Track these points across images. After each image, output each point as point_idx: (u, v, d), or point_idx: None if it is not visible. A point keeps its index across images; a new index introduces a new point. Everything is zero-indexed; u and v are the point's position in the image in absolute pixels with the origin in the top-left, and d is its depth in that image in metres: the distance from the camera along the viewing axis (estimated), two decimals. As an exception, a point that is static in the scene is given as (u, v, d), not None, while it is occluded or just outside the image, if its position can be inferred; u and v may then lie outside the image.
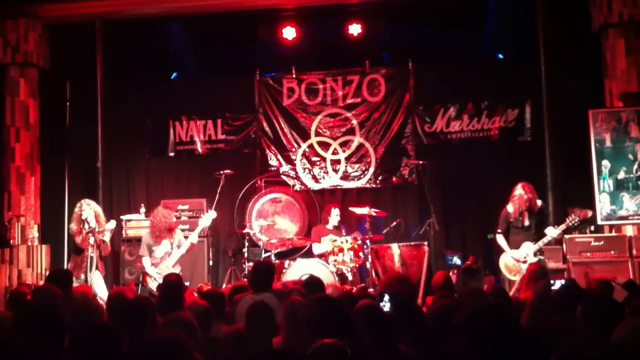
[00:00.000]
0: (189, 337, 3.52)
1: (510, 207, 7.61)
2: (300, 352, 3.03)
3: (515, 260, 7.38)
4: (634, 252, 8.31)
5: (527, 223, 7.50)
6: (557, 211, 8.80)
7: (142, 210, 10.04)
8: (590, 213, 8.17)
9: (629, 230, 8.82)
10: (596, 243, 8.21)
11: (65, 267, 8.57)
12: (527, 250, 7.34)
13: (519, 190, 7.59)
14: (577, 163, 9.33)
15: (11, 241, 9.04)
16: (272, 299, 4.94)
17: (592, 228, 8.86)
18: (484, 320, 2.51)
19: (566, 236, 8.32)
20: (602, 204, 8.81)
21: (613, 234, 8.78)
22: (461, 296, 4.85)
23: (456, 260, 8.55)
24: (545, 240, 7.38)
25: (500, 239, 7.58)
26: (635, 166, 8.91)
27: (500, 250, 7.65)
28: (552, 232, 7.38)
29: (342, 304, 3.68)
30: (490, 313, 2.55)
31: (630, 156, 8.91)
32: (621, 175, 8.91)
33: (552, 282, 4.74)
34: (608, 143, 8.95)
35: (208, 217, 8.19)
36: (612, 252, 8.28)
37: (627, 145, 8.93)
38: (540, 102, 9.37)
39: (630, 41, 9.10)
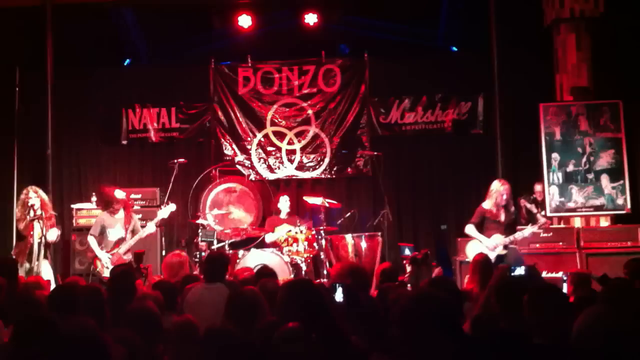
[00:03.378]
0: (151, 328, 3.47)
1: (487, 204, 7.44)
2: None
3: (487, 247, 7.23)
4: (582, 243, 8.51)
5: (502, 219, 7.35)
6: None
7: (94, 199, 9.86)
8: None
9: (577, 222, 9.04)
10: (545, 234, 8.34)
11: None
12: (497, 241, 7.23)
13: (496, 186, 7.43)
14: (528, 156, 9.52)
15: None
16: (225, 290, 4.92)
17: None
18: (413, 310, 2.53)
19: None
20: (551, 196, 9.01)
21: (562, 225, 8.98)
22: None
23: (407, 252, 8.65)
24: (517, 235, 7.27)
25: (471, 228, 7.42)
26: (584, 159, 9.13)
27: (467, 239, 7.60)
28: (525, 232, 7.35)
29: (318, 290, 3.63)
30: (419, 303, 2.57)
31: (579, 149, 9.13)
32: (570, 168, 9.12)
33: (512, 268, 4.83)
34: (558, 136, 9.15)
35: (167, 210, 8.10)
36: (561, 243, 8.46)
37: (577, 139, 9.15)
38: (493, 95, 9.50)
39: (581, 36, 9.30)
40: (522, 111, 9.61)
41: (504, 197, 7.33)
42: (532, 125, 9.29)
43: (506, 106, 9.34)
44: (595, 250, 8.47)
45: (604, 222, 9.11)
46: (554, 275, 7.79)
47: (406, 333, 2.45)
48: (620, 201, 9.02)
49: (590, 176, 9.07)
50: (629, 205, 9.01)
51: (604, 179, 9.04)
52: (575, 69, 9.33)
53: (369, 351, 3.38)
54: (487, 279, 5.19)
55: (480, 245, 7.37)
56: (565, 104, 9.27)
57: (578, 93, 9.34)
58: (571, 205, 9.03)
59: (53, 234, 7.47)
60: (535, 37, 9.81)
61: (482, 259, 5.73)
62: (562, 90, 9.48)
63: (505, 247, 7.27)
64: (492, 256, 6.96)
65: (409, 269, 8.14)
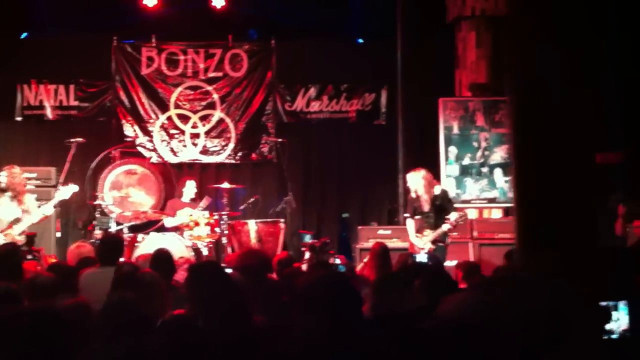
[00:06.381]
0: None
1: (412, 193, 7.41)
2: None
3: (417, 247, 7.22)
4: (475, 234, 8.87)
5: (426, 209, 7.30)
6: (407, 193, 9.17)
7: (-16, 176, 9.39)
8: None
9: (471, 214, 9.40)
10: (440, 225, 8.62)
11: None
12: (426, 239, 7.21)
13: (409, 177, 7.48)
14: (427, 148, 9.80)
15: None
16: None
17: None
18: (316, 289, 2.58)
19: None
20: (447, 188, 9.32)
21: (456, 216, 9.31)
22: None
23: (307, 239, 8.76)
24: (440, 231, 7.23)
25: (408, 223, 7.43)
26: (479, 153, 9.51)
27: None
28: (445, 226, 7.27)
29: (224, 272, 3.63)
30: (322, 283, 2.63)
31: (475, 144, 9.51)
32: (466, 161, 9.48)
33: (413, 256, 4.98)
34: (455, 130, 9.48)
35: (68, 190, 7.73)
36: (455, 233, 8.75)
37: (473, 133, 9.51)
38: (396, 87, 9.71)
39: (481, 34, 9.65)
40: (424, 104, 9.86)
41: (418, 187, 7.29)
42: (432, 119, 9.57)
43: (409, 99, 9.57)
44: (487, 240, 8.84)
45: (497, 214, 9.53)
46: (448, 264, 8.04)
47: (308, 312, 2.51)
48: (512, 194, 9.42)
49: (485, 170, 9.46)
50: (519, 199, 9.44)
51: (498, 173, 9.45)
52: (475, 65, 9.68)
53: (273, 331, 3.42)
54: (384, 267, 5.35)
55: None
56: (463, 99, 9.62)
57: (476, 89, 9.71)
58: (466, 197, 9.39)
59: None
60: (440, 32, 10.08)
61: (379, 248, 5.90)
62: (461, 86, 9.82)
63: (434, 242, 7.20)
64: (424, 255, 6.90)
65: (307, 255, 8.26)
